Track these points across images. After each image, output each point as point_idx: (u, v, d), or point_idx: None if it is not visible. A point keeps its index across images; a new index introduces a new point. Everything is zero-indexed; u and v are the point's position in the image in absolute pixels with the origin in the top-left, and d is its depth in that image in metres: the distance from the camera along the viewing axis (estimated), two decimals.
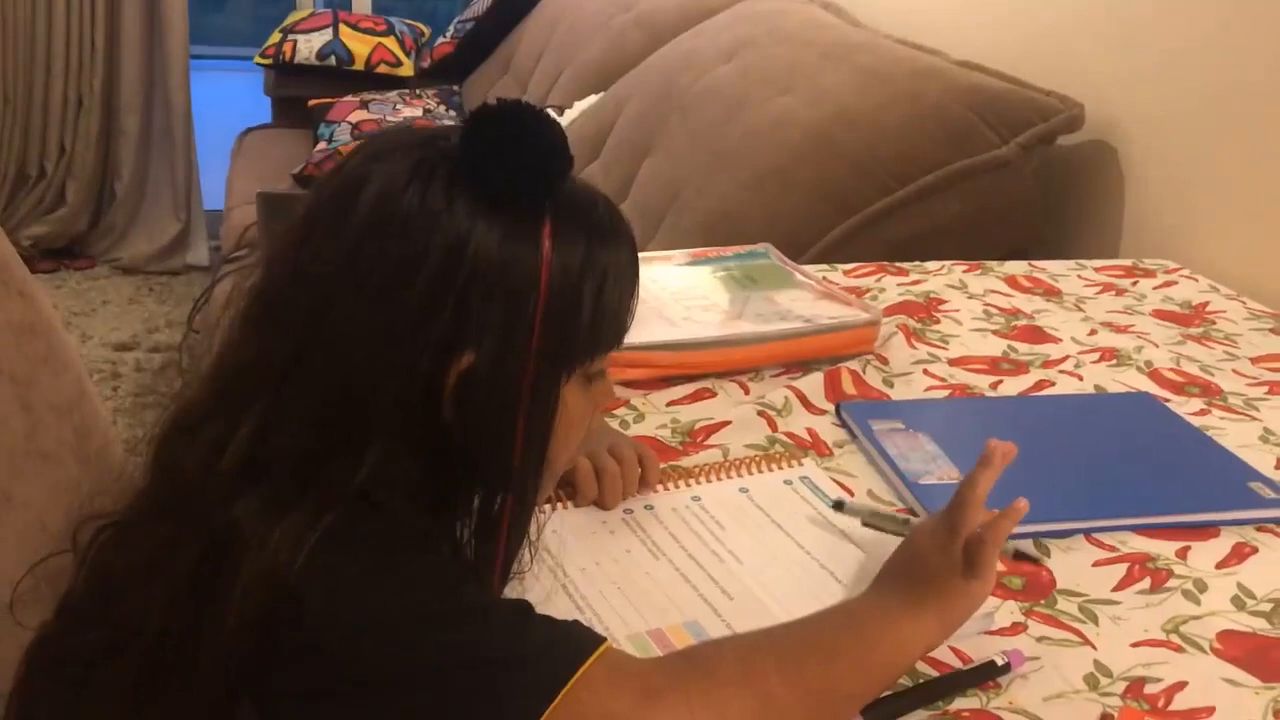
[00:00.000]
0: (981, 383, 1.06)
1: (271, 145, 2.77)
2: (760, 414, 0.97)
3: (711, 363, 1.04)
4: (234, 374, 0.62)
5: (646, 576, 0.74)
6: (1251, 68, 1.39)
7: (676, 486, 0.85)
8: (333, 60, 2.93)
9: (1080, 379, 1.09)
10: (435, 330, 0.57)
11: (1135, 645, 0.72)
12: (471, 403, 0.58)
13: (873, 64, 1.71)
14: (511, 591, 0.66)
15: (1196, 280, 1.39)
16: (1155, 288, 1.36)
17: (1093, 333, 1.20)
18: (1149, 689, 0.68)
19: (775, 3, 2.09)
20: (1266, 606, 0.76)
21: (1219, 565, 0.81)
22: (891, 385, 1.05)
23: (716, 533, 0.80)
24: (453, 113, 2.78)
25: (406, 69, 3.00)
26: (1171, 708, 0.66)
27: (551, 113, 2.13)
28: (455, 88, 2.96)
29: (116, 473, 0.84)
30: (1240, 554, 0.82)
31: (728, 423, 0.95)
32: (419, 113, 2.69)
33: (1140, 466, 0.91)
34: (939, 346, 1.14)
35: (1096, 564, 0.80)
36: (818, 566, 0.76)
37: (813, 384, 1.02)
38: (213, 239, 3.04)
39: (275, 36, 2.99)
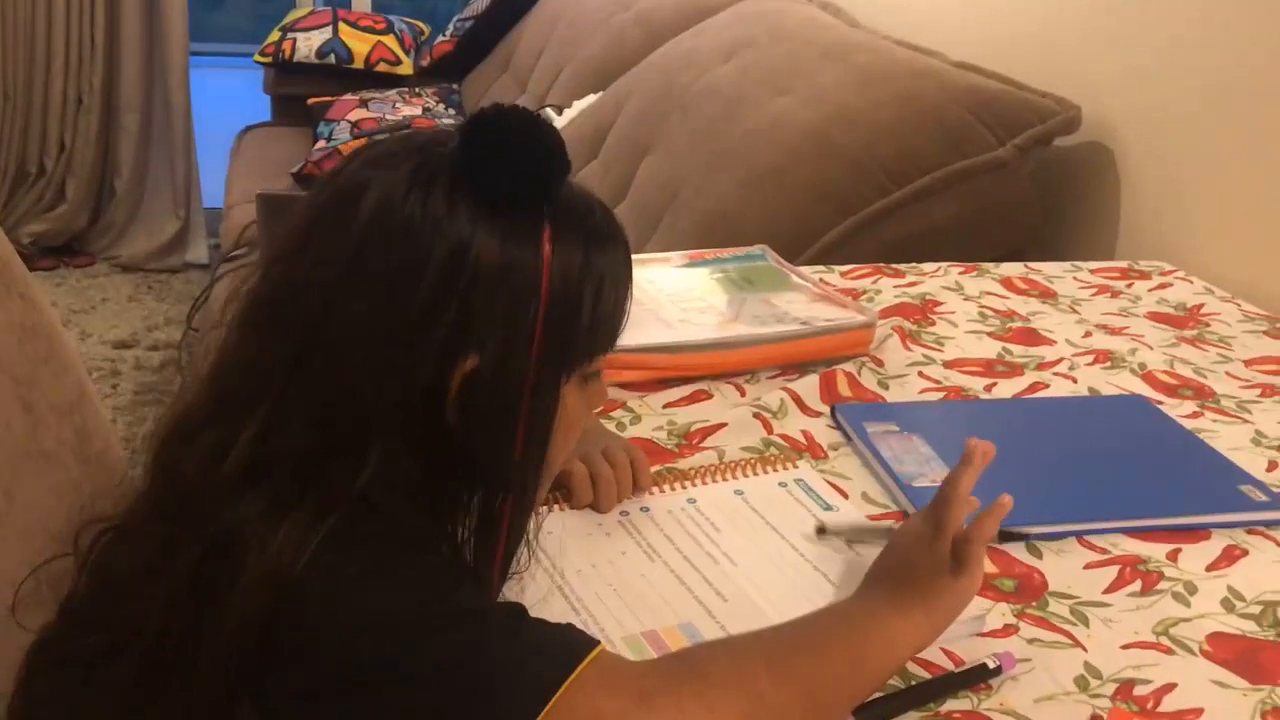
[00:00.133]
0: (976, 385, 1.07)
1: (271, 143, 2.78)
2: (756, 416, 0.98)
3: (708, 365, 1.04)
4: (234, 378, 0.62)
5: (642, 578, 0.75)
6: (1247, 71, 1.40)
7: (672, 489, 0.86)
8: (332, 58, 2.93)
9: (1074, 381, 1.09)
10: (438, 334, 0.57)
11: (1125, 647, 0.72)
12: (475, 404, 0.59)
13: (871, 64, 1.71)
14: (509, 593, 0.67)
15: (1192, 282, 1.40)
16: (1150, 290, 1.37)
17: (1087, 335, 1.21)
18: (1138, 691, 0.69)
19: (775, 2, 2.10)
20: (1256, 609, 0.77)
21: (1209, 568, 0.81)
22: (887, 387, 1.05)
23: (712, 535, 0.80)
24: (452, 111, 2.79)
25: (406, 67, 3.00)
26: (1160, 709, 0.67)
27: (551, 112, 2.13)
28: (454, 86, 2.96)
29: (118, 475, 0.85)
30: (1230, 556, 0.83)
31: (723, 425, 0.96)
32: (418, 111, 2.70)
33: (1132, 469, 0.92)
34: (934, 348, 1.14)
35: (1088, 566, 0.81)
36: (811, 569, 0.77)
37: (808, 386, 1.03)
38: (212, 237, 3.05)
39: (275, 35, 2.99)
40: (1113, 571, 0.80)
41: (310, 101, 2.77)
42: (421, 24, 3.21)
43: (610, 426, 0.93)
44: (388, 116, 2.63)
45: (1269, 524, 0.87)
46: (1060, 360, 1.14)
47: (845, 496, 0.87)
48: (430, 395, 0.59)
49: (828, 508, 0.84)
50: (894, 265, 1.37)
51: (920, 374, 1.08)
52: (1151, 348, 1.19)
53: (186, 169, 3.03)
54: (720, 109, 1.80)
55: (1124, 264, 1.45)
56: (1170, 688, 0.69)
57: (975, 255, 1.44)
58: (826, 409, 1.00)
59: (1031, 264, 1.42)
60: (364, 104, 2.70)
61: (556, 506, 0.82)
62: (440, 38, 3.10)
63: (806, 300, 1.15)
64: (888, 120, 1.59)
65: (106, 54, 2.92)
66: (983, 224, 1.55)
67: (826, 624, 0.66)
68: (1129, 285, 1.38)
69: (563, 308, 0.59)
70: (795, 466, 0.90)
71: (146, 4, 2.91)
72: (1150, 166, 1.55)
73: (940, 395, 1.05)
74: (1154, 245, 1.52)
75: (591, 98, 2.23)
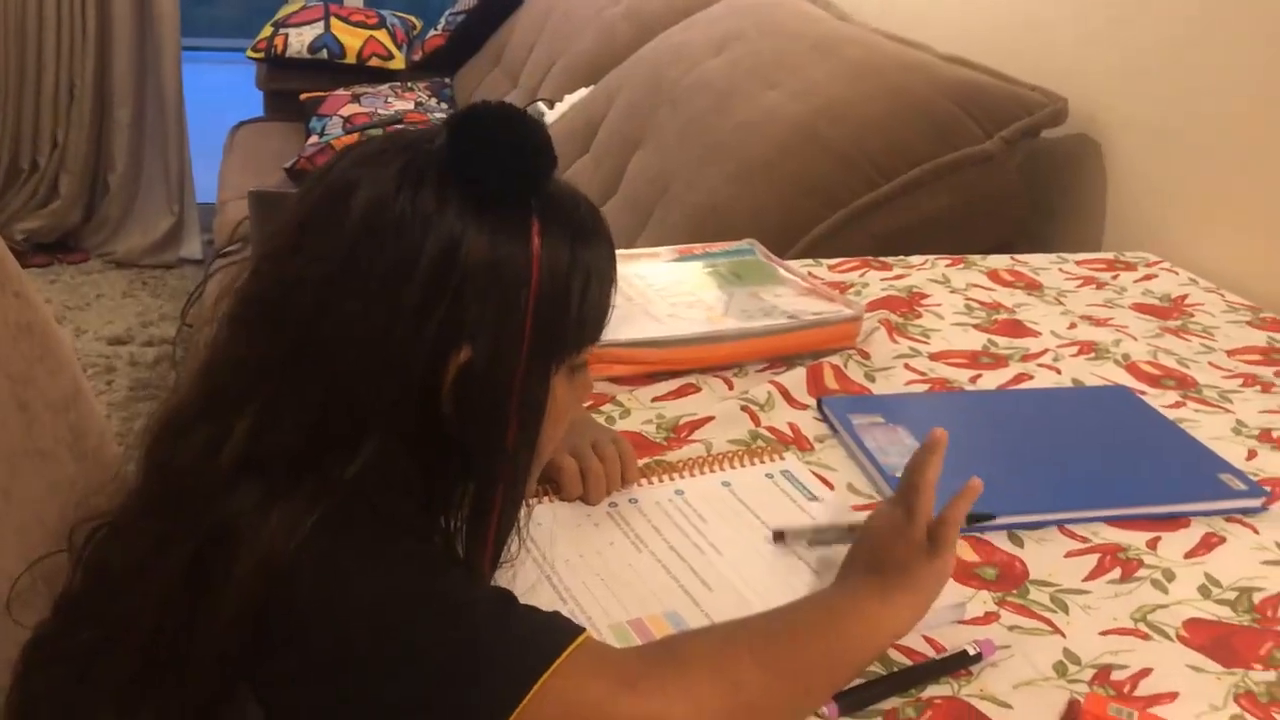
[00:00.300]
0: (961, 377, 1.08)
1: (264, 139, 2.78)
2: (743, 409, 0.99)
3: (696, 359, 1.05)
4: (225, 375, 0.63)
5: (629, 568, 0.76)
6: (1233, 63, 1.41)
7: (660, 480, 0.87)
8: (324, 53, 2.94)
9: (1058, 373, 1.11)
10: (431, 329, 0.59)
11: (1104, 634, 0.74)
12: (468, 397, 0.60)
13: (860, 58, 1.72)
14: (499, 581, 0.68)
15: (1177, 273, 1.41)
16: (1136, 281, 1.38)
17: (1072, 326, 1.22)
18: (1115, 676, 0.70)
19: None
20: (1232, 595, 0.78)
21: (1188, 555, 0.83)
22: (873, 380, 1.07)
23: (698, 525, 0.82)
24: (444, 105, 2.79)
25: (398, 62, 3.00)
26: (1136, 693, 0.69)
27: (542, 106, 2.13)
28: (447, 80, 2.97)
29: (111, 472, 0.86)
30: (1209, 544, 0.84)
31: (711, 418, 0.97)
32: (410, 105, 2.70)
33: (1114, 459, 0.93)
34: (920, 341, 1.16)
35: (1069, 555, 0.82)
36: (795, 558, 0.78)
37: (795, 379, 1.04)
38: (206, 233, 3.05)
39: (267, 30, 2.99)
40: (1093, 560, 0.81)
41: (303, 97, 2.77)
42: (413, 18, 3.21)
43: (599, 420, 0.94)
44: (380, 111, 2.64)
45: (1247, 512, 0.88)
46: (1045, 352, 1.15)
47: (831, 488, 0.88)
48: (425, 389, 0.60)
49: (813, 498, 0.86)
50: (881, 258, 1.38)
51: (906, 366, 1.10)
52: (1136, 338, 1.20)
53: (180, 165, 3.04)
54: (710, 102, 1.80)
55: (1110, 255, 1.47)
56: (1147, 672, 0.70)
57: (963, 247, 1.45)
58: (813, 401, 1.01)
59: (1018, 256, 1.43)
60: (356, 99, 2.70)
61: (546, 499, 0.83)
62: (432, 32, 3.10)
63: (794, 294, 1.16)
64: (877, 114, 1.60)
65: (98, 49, 2.92)
66: (970, 216, 1.57)
67: (807, 612, 0.67)
68: (1114, 277, 1.39)
69: (552, 301, 0.61)
70: (782, 458, 0.91)
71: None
72: (1137, 158, 1.56)
73: (925, 387, 1.06)
74: (1140, 237, 1.53)
75: (583, 92, 2.24)
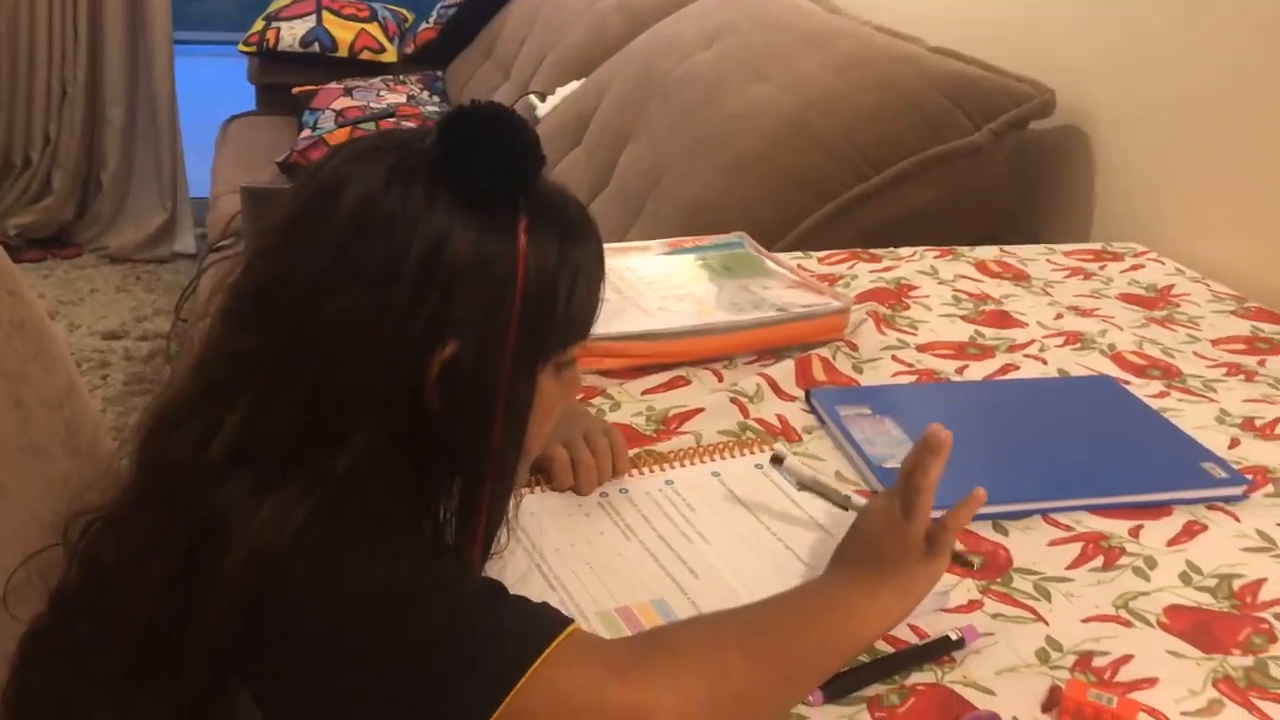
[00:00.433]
0: (948, 368, 1.09)
1: (256, 133, 2.78)
2: (732, 401, 1.00)
3: (686, 352, 1.06)
4: (218, 369, 0.64)
5: (617, 556, 0.77)
6: (1219, 54, 1.42)
7: (651, 471, 0.88)
8: (316, 47, 2.94)
9: (1044, 363, 1.12)
10: (419, 325, 0.60)
11: (1086, 621, 0.75)
12: (454, 391, 0.61)
13: (851, 50, 1.73)
14: (489, 572, 0.69)
15: (1163, 264, 1.42)
16: (1122, 271, 1.39)
17: (1059, 317, 1.23)
18: (1097, 662, 0.71)
19: None
20: (1212, 582, 0.80)
21: (1170, 543, 0.84)
22: (861, 371, 1.08)
23: (687, 514, 0.83)
24: (436, 98, 2.79)
25: (390, 55, 3.00)
26: (1117, 679, 0.70)
27: (534, 99, 2.13)
28: (439, 73, 2.97)
29: (105, 466, 0.87)
30: (1190, 532, 0.85)
31: (701, 410, 0.98)
32: (402, 99, 2.70)
33: (1098, 448, 0.94)
34: (908, 332, 1.17)
35: (1052, 543, 0.83)
36: (783, 547, 0.80)
37: (784, 371, 1.05)
38: (199, 227, 3.05)
39: (259, 24, 2.99)
40: (1076, 548, 0.83)
41: (295, 90, 2.77)
42: (405, 11, 3.21)
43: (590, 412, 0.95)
44: (372, 104, 2.64)
45: (1228, 500, 0.89)
46: (1031, 342, 1.16)
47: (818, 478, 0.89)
48: (413, 383, 0.61)
49: (803, 488, 0.87)
50: (871, 250, 1.39)
51: (894, 358, 1.11)
52: (1121, 329, 1.21)
53: (172, 159, 3.04)
54: (701, 95, 1.81)
55: (1097, 246, 1.48)
56: (1128, 659, 0.72)
57: (952, 239, 1.46)
58: (801, 393, 1.02)
59: (1006, 247, 1.44)
60: (348, 92, 2.70)
61: (538, 488, 0.84)
62: (424, 25, 3.10)
63: (783, 287, 1.17)
64: (866, 106, 1.61)
65: (90, 44, 2.91)
66: (959, 208, 1.58)
67: (796, 604, 0.68)
68: (1101, 267, 1.40)
69: (538, 298, 0.61)
70: (772, 449, 0.92)
71: None
72: (1124, 149, 1.57)
73: (913, 378, 1.07)
74: (1128, 227, 1.54)
75: (575, 84, 2.24)
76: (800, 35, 1.81)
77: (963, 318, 1.21)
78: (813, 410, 0.99)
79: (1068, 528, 0.85)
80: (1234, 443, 0.99)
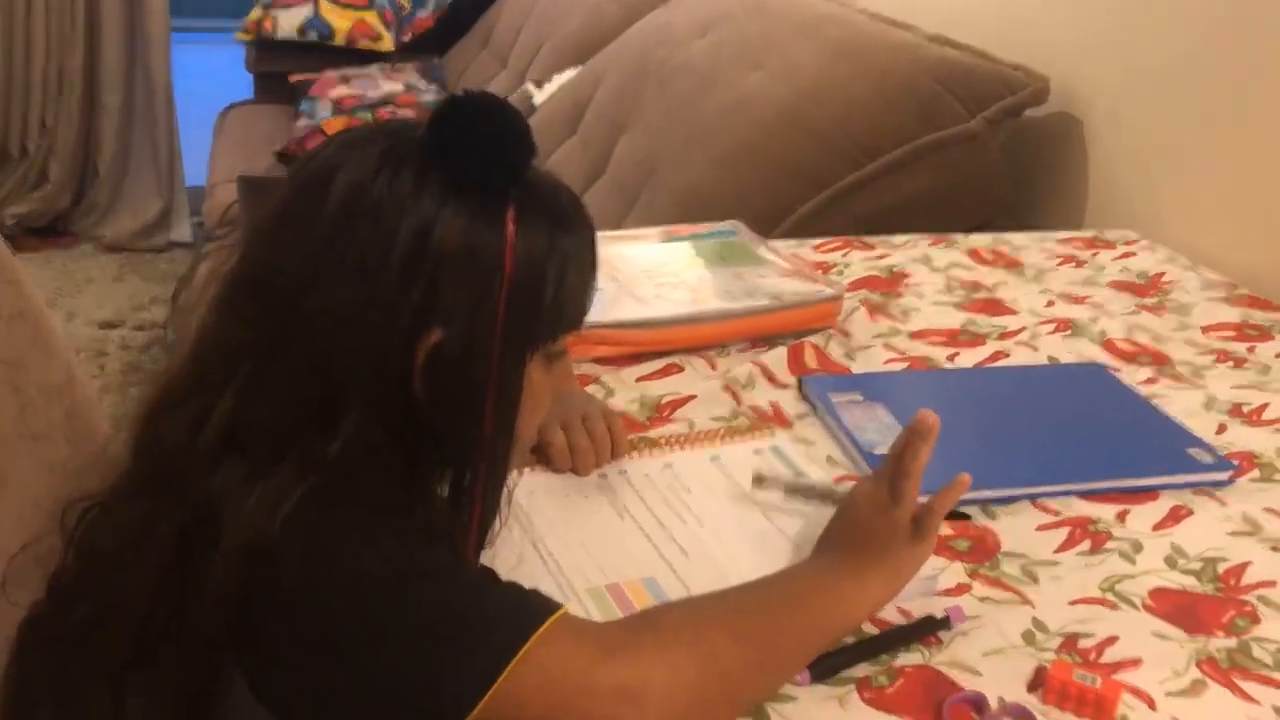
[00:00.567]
0: (939, 355, 1.10)
1: (253, 121, 2.78)
2: (725, 388, 1.01)
3: (680, 339, 1.07)
4: (212, 355, 0.65)
5: (611, 534, 0.78)
6: (1212, 43, 1.42)
7: (650, 454, 0.89)
8: (313, 35, 2.93)
9: (1035, 350, 1.13)
10: (406, 310, 0.60)
11: (1073, 603, 0.76)
12: (440, 379, 0.61)
13: (844, 39, 1.73)
14: (485, 551, 0.70)
15: (1155, 251, 1.43)
16: (1115, 259, 1.40)
17: (1050, 304, 1.24)
18: (1083, 644, 0.72)
19: None
20: (1197, 565, 0.81)
21: (1155, 527, 0.85)
22: (853, 359, 1.09)
23: (683, 496, 0.84)
24: (434, 86, 2.79)
25: (387, 43, 3.00)
26: (1102, 660, 0.71)
27: (530, 87, 2.12)
28: (436, 61, 2.96)
29: (102, 453, 0.88)
30: (1176, 516, 0.86)
31: (693, 397, 0.99)
32: (400, 87, 2.71)
33: (1086, 434, 0.95)
34: (900, 320, 1.18)
35: (1040, 528, 0.84)
36: (775, 530, 0.81)
37: (777, 358, 1.06)
38: (196, 216, 3.05)
39: (256, 12, 2.99)
40: (1063, 532, 0.84)
41: (292, 79, 2.77)
42: None
43: None
44: (369, 93, 2.64)
45: (1214, 485, 0.90)
46: (1022, 330, 1.17)
47: (812, 463, 0.90)
48: (401, 369, 0.61)
49: (799, 474, 0.88)
50: (864, 238, 1.40)
51: (885, 345, 1.12)
52: (1112, 316, 1.22)
53: (169, 148, 3.04)
54: (695, 85, 1.82)
55: (1090, 233, 1.48)
56: (1113, 640, 0.73)
57: (947, 227, 1.47)
58: (794, 380, 1.03)
59: (1000, 235, 1.45)
60: (345, 80, 2.70)
61: (538, 468, 0.85)
62: (421, 13, 3.09)
63: (777, 275, 1.17)
64: (860, 94, 1.61)
65: (87, 32, 2.91)
66: (953, 196, 1.58)
67: (784, 586, 0.70)
68: (1094, 255, 1.41)
69: (526, 287, 0.62)
70: (771, 435, 0.93)
71: None
72: (1117, 136, 1.58)
73: (904, 366, 1.08)
74: (1121, 214, 1.55)
75: (571, 73, 2.24)
76: (794, 24, 1.82)
77: (955, 305, 1.22)
78: (805, 397, 1.00)
79: (1055, 512, 0.86)
80: (1221, 428, 1.00)
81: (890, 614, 0.73)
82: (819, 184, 1.55)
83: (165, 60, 2.97)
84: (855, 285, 1.24)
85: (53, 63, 2.91)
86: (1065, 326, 1.18)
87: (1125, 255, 1.41)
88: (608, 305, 1.07)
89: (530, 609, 0.60)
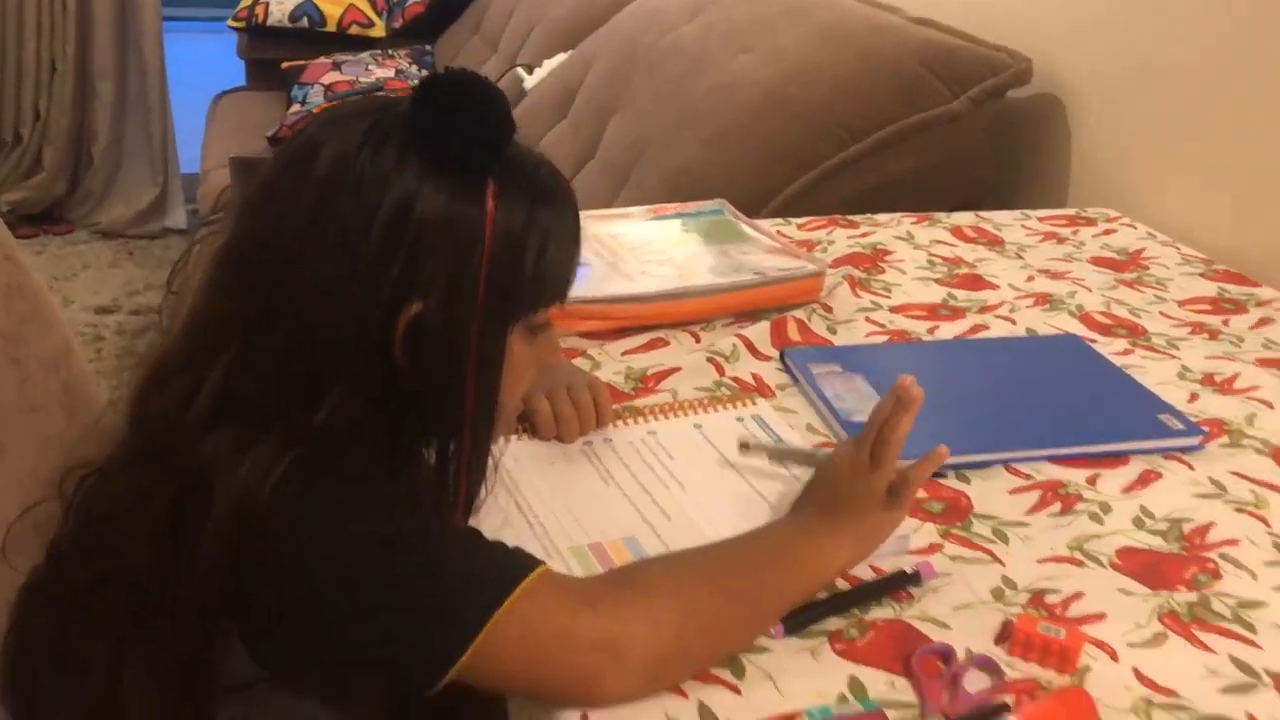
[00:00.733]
0: (919, 328, 1.13)
1: (246, 108, 2.79)
2: (709, 360, 1.03)
3: (666, 314, 1.09)
4: (203, 330, 0.67)
5: (594, 498, 0.81)
6: (1191, 23, 1.44)
7: (635, 422, 0.91)
8: (305, 22, 2.94)
9: (1013, 323, 1.15)
10: (387, 282, 0.62)
11: (1041, 562, 0.79)
12: (421, 349, 0.63)
13: (831, 21, 1.75)
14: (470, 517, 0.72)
15: (1135, 228, 1.45)
16: (1095, 235, 1.42)
17: (1030, 279, 1.27)
18: (1050, 599, 0.75)
19: None
20: (1164, 525, 0.83)
21: (1125, 490, 0.88)
22: (835, 332, 1.11)
23: (665, 462, 0.86)
24: (424, 72, 2.81)
25: (378, 29, 3.01)
26: (1068, 614, 0.74)
27: (521, 71, 2.13)
28: (427, 47, 2.98)
29: (96, 423, 0.90)
30: (1146, 480, 0.89)
31: (678, 369, 1.01)
32: (391, 73, 2.72)
33: (1060, 402, 0.98)
34: (882, 295, 1.20)
35: (1012, 491, 0.87)
36: (755, 494, 0.83)
37: (760, 332, 1.08)
38: (190, 202, 3.07)
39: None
40: (1035, 495, 0.86)
41: (284, 65, 2.78)
42: None
43: None
44: (361, 79, 2.65)
45: (1183, 450, 0.93)
46: (1001, 303, 1.19)
47: (792, 430, 0.92)
48: (383, 340, 0.63)
49: (779, 440, 0.90)
50: (849, 217, 1.42)
51: (867, 319, 1.14)
52: (1091, 290, 1.24)
53: (163, 135, 3.05)
54: (684, 68, 1.83)
55: (1071, 211, 1.51)
56: (1079, 596, 0.75)
57: (931, 206, 1.49)
58: (776, 353, 1.05)
59: (982, 213, 1.47)
60: (337, 67, 2.71)
61: (525, 435, 0.87)
62: None
63: (761, 252, 1.20)
64: (846, 77, 1.63)
65: (79, 19, 2.92)
66: (938, 176, 1.60)
67: (763, 543, 0.72)
68: (1074, 232, 1.43)
69: (506, 260, 0.63)
70: (754, 404, 0.96)
71: None
72: (1098, 116, 1.60)
73: (884, 338, 1.10)
74: (1102, 193, 1.57)
75: (561, 57, 2.26)
76: (781, 7, 1.83)
77: (936, 281, 1.24)
78: (786, 369, 1.02)
79: (1028, 476, 0.88)
80: (1193, 397, 1.02)
81: (863, 572, 0.75)
82: (806, 165, 1.57)
83: (158, 47, 2.98)
84: (839, 262, 1.27)
85: (45, 49, 2.92)
86: (1044, 301, 1.21)
87: (1106, 232, 1.44)
88: (595, 281, 1.09)
89: (514, 564, 0.62)
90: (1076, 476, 0.89)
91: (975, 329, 1.13)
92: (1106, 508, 0.85)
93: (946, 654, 0.69)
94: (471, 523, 0.72)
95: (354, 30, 2.98)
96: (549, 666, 0.62)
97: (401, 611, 0.60)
